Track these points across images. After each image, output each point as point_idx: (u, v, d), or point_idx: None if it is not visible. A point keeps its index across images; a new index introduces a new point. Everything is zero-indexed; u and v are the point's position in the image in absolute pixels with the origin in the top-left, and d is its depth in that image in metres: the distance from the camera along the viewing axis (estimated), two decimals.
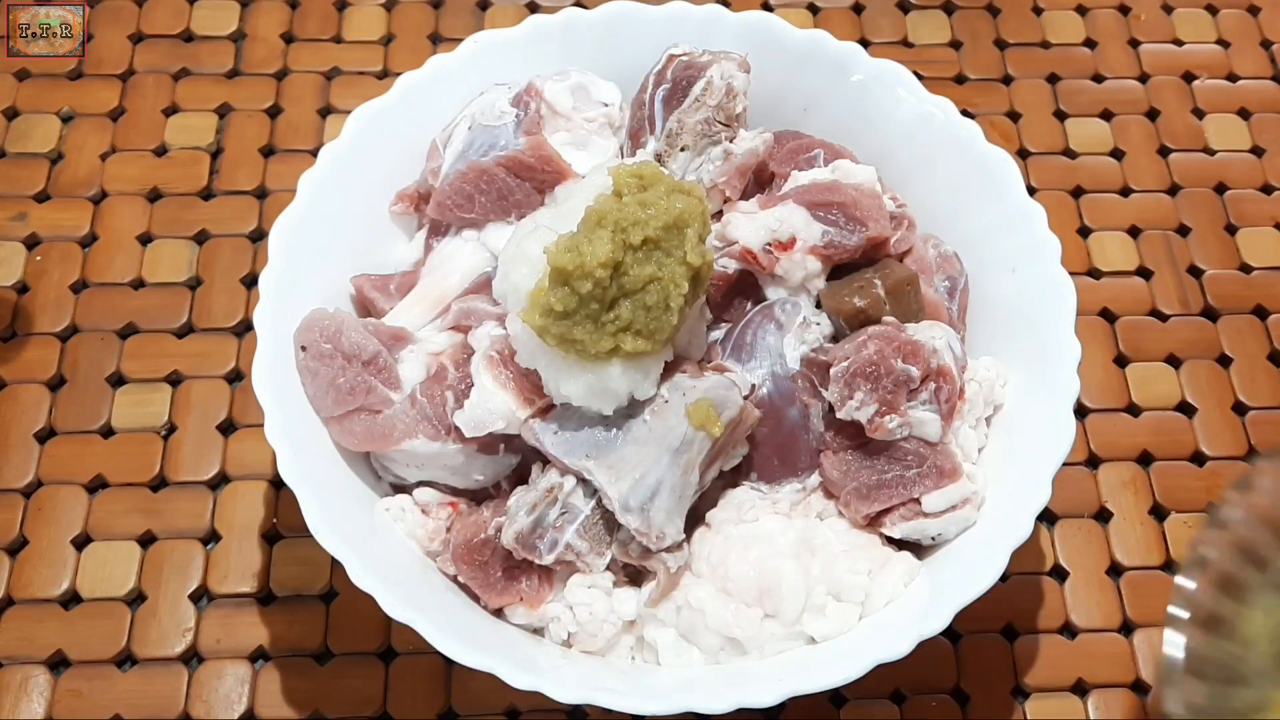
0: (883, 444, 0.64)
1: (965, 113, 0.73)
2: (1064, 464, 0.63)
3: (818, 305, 0.69)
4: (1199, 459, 0.80)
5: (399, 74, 0.74)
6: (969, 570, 0.61)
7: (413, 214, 0.75)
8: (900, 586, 0.64)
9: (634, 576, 0.65)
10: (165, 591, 0.72)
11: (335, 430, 0.65)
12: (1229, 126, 0.95)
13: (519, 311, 0.60)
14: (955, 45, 0.98)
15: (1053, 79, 0.96)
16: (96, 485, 0.76)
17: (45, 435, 0.77)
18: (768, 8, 0.97)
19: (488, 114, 0.71)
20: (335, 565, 0.66)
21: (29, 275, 0.83)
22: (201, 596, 0.73)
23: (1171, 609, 0.50)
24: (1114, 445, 0.80)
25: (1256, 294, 0.87)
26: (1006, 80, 0.96)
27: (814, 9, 0.99)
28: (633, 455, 0.61)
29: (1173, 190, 0.92)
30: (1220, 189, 0.92)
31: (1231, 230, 0.90)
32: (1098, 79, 0.97)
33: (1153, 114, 0.95)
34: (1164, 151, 0.93)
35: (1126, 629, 0.74)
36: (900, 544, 0.66)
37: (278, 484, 0.75)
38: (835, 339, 0.67)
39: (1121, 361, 0.84)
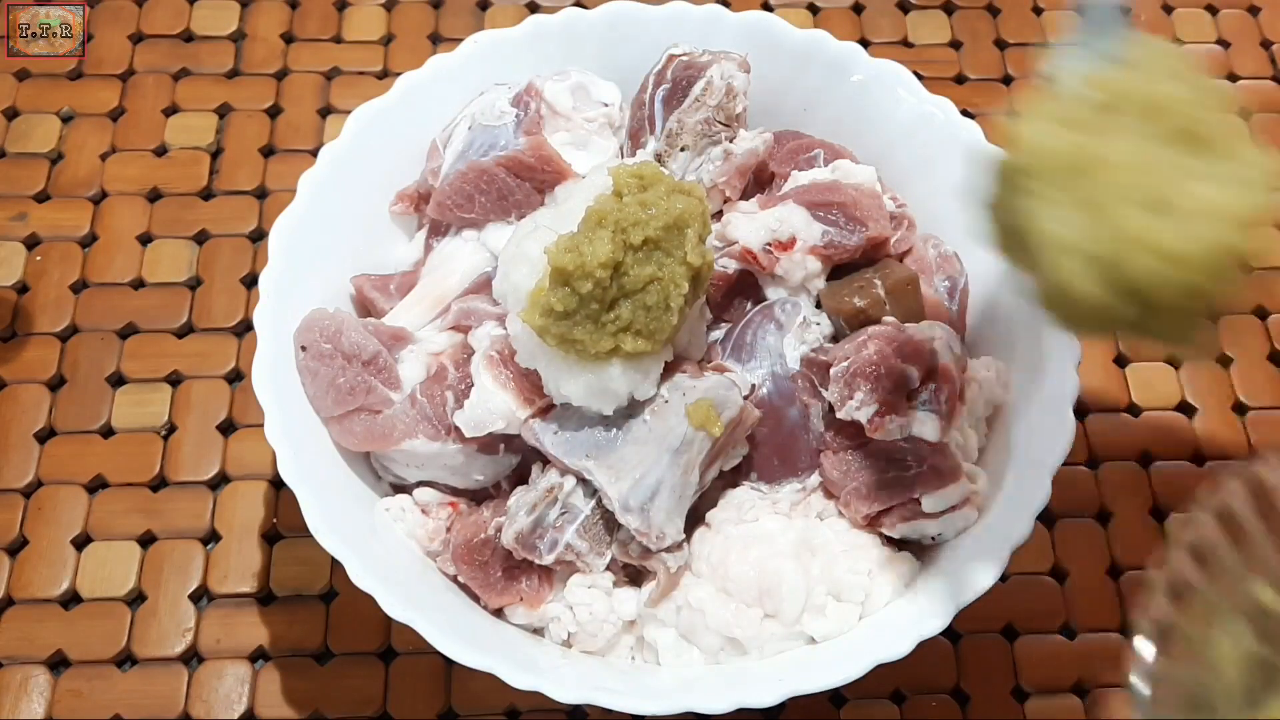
0: (882, 444, 0.64)
1: (965, 113, 0.73)
2: (1064, 464, 0.62)
3: (818, 305, 0.69)
4: (1199, 459, 0.80)
5: (399, 74, 0.74)
6: (969, 570, 0.61)
7: (413, 214, 0.75)
8: (900, 586, 0.64)
9: (634, 576, 0.65)
10: (165, 591, 0.72)
11: (335, 430, 0.65)
12: None
13: (519, 311, 0.60)
14: (955, 45, 0.98)
15: None
16: (96, 485, 0.76)
17: (45, 435, 0.77)
18: (768, 8, 0.97)
19: (488, 114, 0.71)
20: (335, 565, 0.66)
21: (29, 275, 0.83)
22: (201, 596, 0.73)
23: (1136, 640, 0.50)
24: (1114, 445, 0.80)
25: (1256, 294, 0.87)
26: (1006, 80, 0.96)
27: (814, 9, 0.99)
28: (633, 455, 0.61)
29: None
30: None
31: None
32: None
33: None
34: None
35: (1126, 629, 0.74)
36: (900, 544, 0.66)
37: (278, 484, 0.75)
38: (835, 339, 0.67)
39: (1121, 361, 0.84)
